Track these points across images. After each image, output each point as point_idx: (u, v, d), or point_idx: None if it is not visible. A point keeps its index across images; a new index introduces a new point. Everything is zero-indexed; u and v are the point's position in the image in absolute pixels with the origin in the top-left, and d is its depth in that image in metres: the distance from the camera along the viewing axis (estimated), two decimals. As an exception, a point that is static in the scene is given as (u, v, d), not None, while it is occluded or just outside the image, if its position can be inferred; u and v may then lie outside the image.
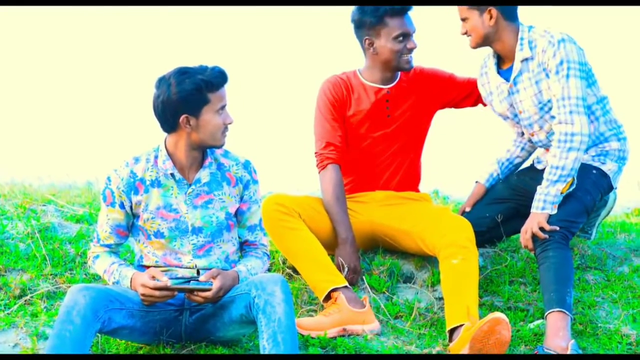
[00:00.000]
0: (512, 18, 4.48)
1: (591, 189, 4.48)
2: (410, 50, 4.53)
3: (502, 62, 4.59)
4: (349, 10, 4.63)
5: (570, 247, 4.86)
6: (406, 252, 4.70)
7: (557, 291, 4.18)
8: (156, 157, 3.82)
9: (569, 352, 4.03)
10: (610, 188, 4.61)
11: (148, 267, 3.86)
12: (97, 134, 8.78)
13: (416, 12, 4.58)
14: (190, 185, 3.82)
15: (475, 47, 4.53)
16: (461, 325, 4.09)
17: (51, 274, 4.42)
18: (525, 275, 4.73)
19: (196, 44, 10.13)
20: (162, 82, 3.71)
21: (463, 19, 4.50)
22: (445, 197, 6.06)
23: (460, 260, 4.23)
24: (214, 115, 3.72)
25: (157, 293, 3.63)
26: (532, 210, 4.38)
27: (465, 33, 4.51)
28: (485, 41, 4.50)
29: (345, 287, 4.27)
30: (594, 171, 4.52)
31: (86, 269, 4.47)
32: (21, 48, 10.18)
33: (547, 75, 4.41)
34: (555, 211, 4.36)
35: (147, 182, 3.81)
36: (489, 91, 4.65)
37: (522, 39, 4.45)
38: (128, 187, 3.80)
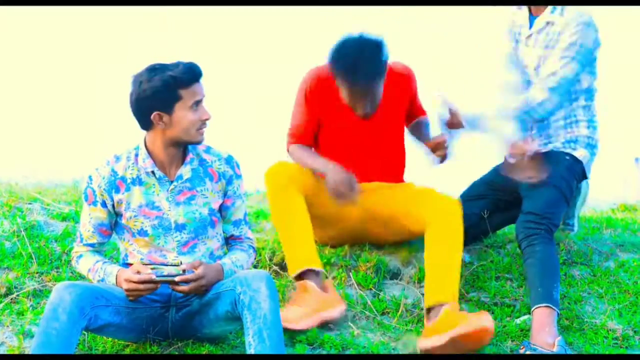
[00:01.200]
0: None
1: (566, 175, 4.50)
2: (364, 115, 4.50)
3: (534, 8, 4.62)
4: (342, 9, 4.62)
5: (556, 242, 4.88)
6: (393, 247, 4.71)
7: (543, 286, 4.19)
8: (137, 155, 3.81)
9: (555, 348, 4.04)
10: (584, 175, 4.62)
11: (132, 265, 3.85)
12: (83, 131, 8.76)
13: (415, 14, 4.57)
14: (172, 182, 3.81)
15: None
16: (442, 305, 4.10)
17: (37, 272, 4.41)
18: (512, 271, 4.75)
19: (187, 42, 10.11)
20: (135, 79, 3.70)
21: None
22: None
23: (448, 231, 4.24)
24: (188, 111, 3.69)
25: (141, 286, 3.62)
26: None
27: None
28: None
29: (316, 272, 4.27)
30: (567, 157, 4.55)
31: (72, 267, 4.45)
32: (6, 46, 10.14)
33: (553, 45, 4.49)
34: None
35: (128, 181, 3.80)
36: (513, 31, 4.70)
37: (555, 8, 4.52)
38: (109, 186, 3.79)
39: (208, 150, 3.90)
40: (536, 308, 4.16)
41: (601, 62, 4.58)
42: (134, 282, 3.61)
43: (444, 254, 4.23)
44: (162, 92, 3.65)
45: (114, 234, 3.91)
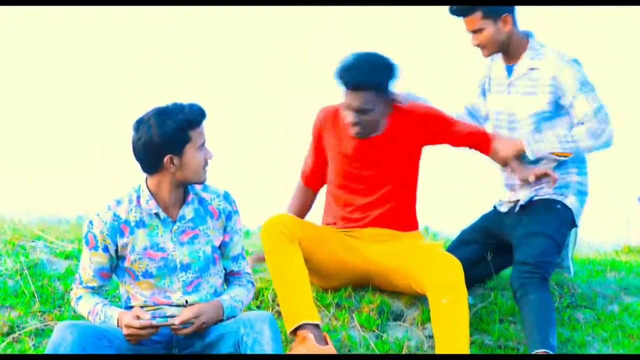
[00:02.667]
0: (516, 23, 4.54)
1: (559, 224, 4.51)
2: (352, 124, 4.44)
3: (507, 58, 4.61)
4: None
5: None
6: (396, 290, 4.70)
7: (539, 333, 4.18)
8: (138, 197, 3.81)
9: None
10: (574, 224, 4.61)
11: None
12: (87, 167, 8.78)
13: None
14: (175, 222, 3.82)
15: (489, 56, 4.57)
16: None
17: (40, 311, 4.40)
18: (516, 313, 4.72)
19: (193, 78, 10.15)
20: (141, 124, 3.70)
21: (476, 31, 4.49)
22: (435, 234, 6.06)
23: (449, 299, 4.22)
24: (196, 152, 3.72)
25: (142, 332, 3.61)
26: (523, 138, 4.49)
27: (479, 45, 4.51)
28: (500, 48, 4.54)
29: (315, 325, 4.26)
30: (558, 205, 4.54)
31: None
32: (10, 81, 10.18)
33: (551, 91, 4.47)
34: (532, 156, 4.47)
35: (132, 224, 3.80)
36: (488, 76, 4.71)
37: (534, 49, 4.52)
38: (112, 231, 3.79)
39: (205, 188, 3.91)
40: (534, 354, 4.15)
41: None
42: (136, 327, 3.60)
43: (450, 322, 4.20)
44: (176, 135, 3.67)
45: (113, 276, 3.90)
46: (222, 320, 3.75)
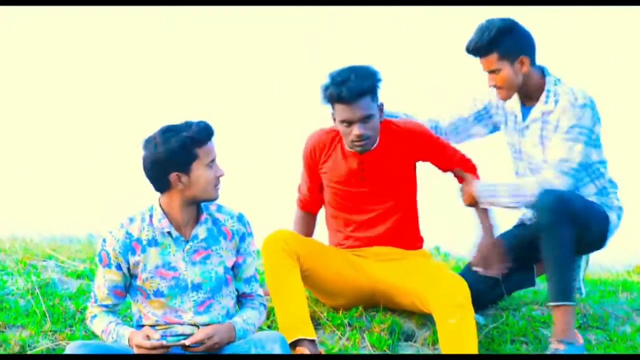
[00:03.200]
0: (535, 63, 4.51)
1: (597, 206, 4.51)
2: (359, 137, 4.43)
3: (524, 100, 4.59)
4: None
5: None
6: (406, 310, 4.69)
7: (562, 281, 4.25)
8: (151, 216, 3.83)
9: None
10: (604, 236, 4.57)
11: (148, 326, 3.85)
12: (98, 186, 8.80)
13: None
14: (187, 242, 3.82)
15: (506, 99, 4.53)
16: None
17: (51, 331, 4.40)
18: (527, 334, 4.71)
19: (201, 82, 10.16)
20: (148, 142, 3.74)
21: (493, 71, 4.47)
22: (446, 254, 6.06)
23: (457, 320, 4.22)
24: (205, 169, 3.73)
25: (153, 352, 3.63)
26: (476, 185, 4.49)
27: (495, 85, 4.50)
28: (517, 90, 4.51)
29: (311, 340, 4.26)
30: (600, 209, 4.53)
31: (86, 326, 4.45)
32: (21, 97, 10.22)
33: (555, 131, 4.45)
34: (484, 206, 4.49)
35: (144, 242, 3.81)
36: (504, 113, 4.68)
37: (548, 91, 4.48)
38: (124, 249, 3.80)
39: (220, 209, 3.92)
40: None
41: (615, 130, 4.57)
42: (146, 347, 3.61)
43: (459, 342, 4.19)
44: (181, 153, 3.68)
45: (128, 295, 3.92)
46: (233, 342, 3.76)
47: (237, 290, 3.96)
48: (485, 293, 4.65)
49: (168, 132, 3.70)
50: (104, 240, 3.82)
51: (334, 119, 4.52)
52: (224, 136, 3.97)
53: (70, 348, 3.56)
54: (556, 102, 4.45)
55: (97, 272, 3.88)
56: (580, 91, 4.45)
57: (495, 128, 4.79)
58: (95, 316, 3.88)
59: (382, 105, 4.50)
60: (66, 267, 5.09)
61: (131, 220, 3.84)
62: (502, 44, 4.42)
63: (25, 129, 9.84)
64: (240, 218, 3.94)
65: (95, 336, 4.32)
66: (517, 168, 4.71)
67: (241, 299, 3.99)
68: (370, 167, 4.58)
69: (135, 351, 3.64)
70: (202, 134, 3.71)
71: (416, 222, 4.72)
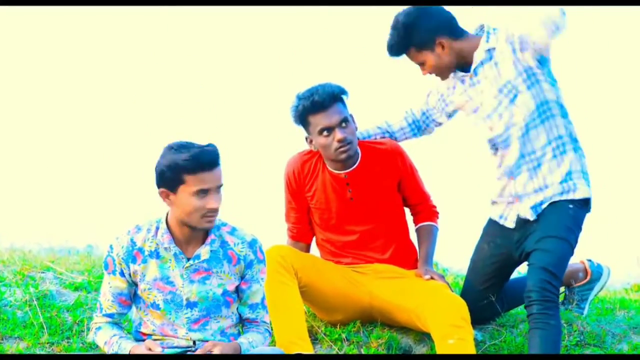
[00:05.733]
0: (461, 34, 4.43)
1: (573, 226, 4.36)
2: (340, 141, 4.45)
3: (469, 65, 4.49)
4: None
5: (567, 323, 4.86)
6: (400, 326, 4.69)
7: None
8: (157, 228, 3.83)
9: None
10: (588, 209, 4.45)
11: (146, 334, 3.85)
12: (97, 197, 8.80)
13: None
14: (188, 259, 3.82)
15: (446, 78, 4.48)
16: None
17: (48, 343, 4.40)
18: (524, 351, 4.71)
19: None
20: (162, 152, 3.74)
21: (420, 63, 4.44)
22: (445, 269, 6.05)
23: (456, 340, 4.22)
24: (190, 197, 3.65)
25: None
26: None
27: (429, 73, 4.45)
28: (454, 67, 4.45)
29: (310, 355, 4.26)
30: (570, 205, 4.38)
31: (83, 338, 4.45)
32: (21, 107, 10.22)
33: (514, 55, 4.33)
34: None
35: (146, 253, 3.81)
36: (450, 88, 4.56)
37: (488, 33, 4.40)
38: (127, 255, 3.81)
39: (233, 231, 3.87)
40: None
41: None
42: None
43: None
44: (167, 173, 3.65)
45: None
46: None
47: (241, 313, 3.94)
48: (483, 310, 4.64)
49: (171, 148, 3.68)
50: (111, 247, 3.83)
51: (310, 141, 4.54)
52: (225, 138, 3.92)
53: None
54: (496, 35, 4.36)
55: (103, 280, 3.88)
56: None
57: (454, 111, 4.68)
58: (99, 328, 3.87)
59: (352, 116, 4.52)
60: (64, 278, 5.09)
61: (138, 229, 3.84)
62: (413, 38, 4.39)
63: (25, 139, 9.84)
64: (252, 244, 3.87)
65: (97, 348, 4.34)
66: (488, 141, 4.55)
67: (246, 323, 3.96)
68: (356, 186, 4.59)
69: None
70: (193, 163, 3.62)
71: (408, 240, 4.74)
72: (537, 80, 4.35)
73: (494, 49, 4.38)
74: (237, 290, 3.89)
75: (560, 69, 4.51)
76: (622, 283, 6.32)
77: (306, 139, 4.57)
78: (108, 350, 3.80)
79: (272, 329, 4.02)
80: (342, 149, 4.46)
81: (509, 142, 4.42)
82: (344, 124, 4.46)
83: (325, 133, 4.45)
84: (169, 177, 3.66)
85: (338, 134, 4.44)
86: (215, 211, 3.69)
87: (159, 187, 3.71)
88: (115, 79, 10.09)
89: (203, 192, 3.66)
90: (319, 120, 4.45)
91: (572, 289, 4.99)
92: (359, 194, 4.60)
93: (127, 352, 3.72)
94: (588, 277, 4.94)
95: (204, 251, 3.81)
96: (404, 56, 4.48)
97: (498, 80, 4.38)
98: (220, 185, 3.69)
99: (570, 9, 4.28)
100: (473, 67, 4.43)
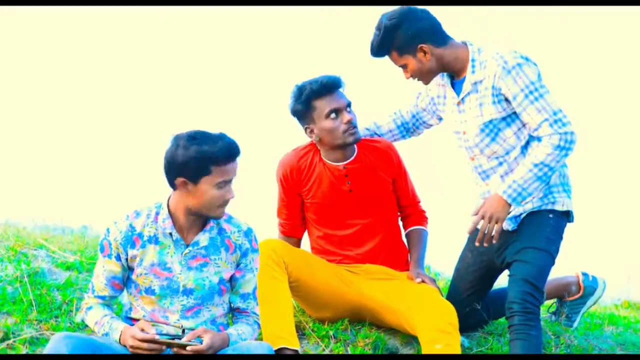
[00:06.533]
0: (444, 41, 4.42)
1: (554, 236, 4.38)
2: (349, 123, 4.50)
3: (455, 74, 4.50)
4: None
5: (555, 335, 4.87)
6: (388, 327, 4.70)
7: None
8: (157, 213, 3.83)
9: None
10: (569, 219, 4.47)
11: (136, 319, 3.85)
12: (95, 178, 8.80)
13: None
14: (187, 246, 3.82)
15: (427, 84, 4.49)
16: None
17: (36, 320, 4.40)
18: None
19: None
20: (175, 140, 3.71)
21: (402, 66, 4.44)
22: (436, 274, 6.06)
23: (443, 346, 4.22)
24: (212, 187, 3.69)
25: (144, 345, 3.61)
26: (501, 193, 4.26)
27: (411, 77, 4.45)
28: (435, 73, 4.45)
29: (294, 350, 4.27)
30: (550, 215, 4.41)
31: (72, 317, 4.45)
32: (19, 84, 10.22)
33: (497, 100, 4.33)
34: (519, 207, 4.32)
35: (145, 238, 3.81)
36: (442, 97, 4.60)
37: (473, 60, 4.39)
38: (125, 240, 3.81)
39: (229, 220, 3.89)
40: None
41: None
42: (138, 339, 3.61)
43: None
44: (194, 164, 3.65)
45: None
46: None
47: (232, 303, 3.95)
48: (467, 317, 4.65)
49: (194, 138, 3.67)
50: (108, 230, 3.83)
51: (310, 131, 4.55)
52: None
53: (55, 339, 3.55)
54: (484, 68, 4.35)
55: (97, 262, 3.88)
56: (507, 53, 4.33)
57: (442, 117, 4.73)
58: (90, 308, 3.87)
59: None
60: (56, 257, 5.09)
61: (137, 214, 3.84)
62: (395, 42, 4.38)
63: (28, 118, 9.85)
64: (248, 233, 3.90)
65: (85, 328, 4.33)
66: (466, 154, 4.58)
67: (235, 313, 3.97)
68: (355, 178, 4.61)
69: (129, 343, 3.62)
70: (224, 153, 3.66)
71: (401, 241, 4.75)
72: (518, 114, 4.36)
73: (480, 82, 4.39)
74: (231, 279, 3.90)
75: (555, 73, 4.50)
76: (613, 299, 6.33)
77: (305, 129, 4.58)
78: (98, 330, 3.79)
79: (260, 322, 4.02)
80: (350, 131, 4.51)
81: (488, 174, 4.50)
82: (350, 107, 4.52)
83: (333, 115, 4.49)
84: (194, 167, 3.65)
85: (346, 116, 4.49)
86: (230, 200, 3.74)
87: (177, 176, 3.70)
88: (117, 72, 10.12)
89: (225, 183, 3.69)
90: (327, 103, 4.49)
91: (564, 302, 5.00)
92: (358, 186, 4.61)
93: (118, 332, 3.71)
94: (581, 292, 4.95)
95: (203, 238, 3.82)
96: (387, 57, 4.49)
97: (480, 118, 4.41)
98: (234, 176, 3.74)
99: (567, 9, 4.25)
100: (461, 96, 4.45)
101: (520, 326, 4.22)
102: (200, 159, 3.65)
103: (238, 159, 3.72)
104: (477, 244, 4.30)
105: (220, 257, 3.85)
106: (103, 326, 3.78)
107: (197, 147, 3.64)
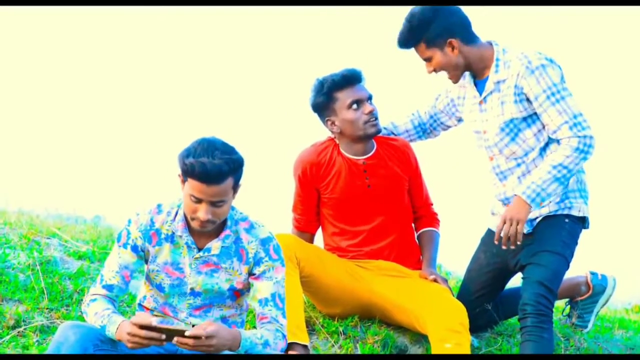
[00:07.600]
0: (473, 39, 4.44)
1: (569, 241, 4.40)
2: (370, 114, 4.53)
3: (478, 74, 4.51)
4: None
5: (565, 337, 4.85)
6: (398, 325, 4.70)
7: None
8: (177, 213, 3.80)
9: None
10: (584, 226, 4.48)
11: (148, 309, 3.85)
12: (110, 170, 8.82)
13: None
14: (199, 250, 3.80)
15: (457, 81, 4.50)
16: None
17: (47, 308, 4.42)
18: (519, 361, 4.71)
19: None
20: (190, 144, 3.67)
21: (426, 59, 4.45)
22: (447, 273, 6.05)
23: (453, 345, 4.22)
24: (185, 196, 3.66)
25: (142, 332, 3.47)
26: (520, 194, 4.27)
27: (434, 71, 4.46)
28: (459, 70, 4.45)
29: (303, 345, 4.27)
30: (566, 220, 4.42)
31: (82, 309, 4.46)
32: (36, 77, 10.26)
33: (519, 99, 4.34)
34: (539, 209, 4.33)
35: (162, 235, 3.79)
36: (462, 97, 4.63)
37: (497, 59, 4.41)
38: (145, 234, 3.78)
39: (250, 229, 3.82)
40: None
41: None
42: (134, 323, 3.47)
43: None
44: (181, 168, 3.63)
45: (133, 281, 3.89)
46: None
47: (253, 309, 3.88)
48: (477, 318, 4.64)
49: (195, 150, 3.63)
50: (129, 221, 3.80)
51: (331, 123, 4.56)
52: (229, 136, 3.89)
53: (63, 327, 3.54)
54: (508, 68, 4.37)
55: (111, 252, 3.82)
56: (532, 54, 4.35)
57: (461, 119, 4.75)
58: (95, 300, 3.75)
59: None
60: (69, 246, 5.11)
61: (159, 209, 3.81)
62: (426, 34, 4.38)
63: (44, 110, 9.88)
64: (264, 241, 3.80)
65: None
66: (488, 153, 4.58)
67: (259, 322, 3.80)
68: (374, 174, 4.62)
69: (127, 329, 3.50)
70: (199, 177, 3.59)
71: (414, 240, 4.75)
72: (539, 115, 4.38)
73: (503, 81, 4.40)
74: (249, 286, 3.83)
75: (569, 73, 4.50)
76: (623, 303, 6.31)
77: (326, 122, 4.59)
78: (96, 321, 3.67)
79: (285, 333, 3.80)
80: (372, 122, 4.53)
81: (506, 175, 4.49)
82: (370, 100, 4.55)
83: (355, 106, 4.51)
84: (182, 171, 3.64)
85: (368, 107, 4.53)
86: (205, 221, 3.66)
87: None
88: (133, 68, 10.16)
89: (197, 200, 3.63)
90: (349, 94, 4.52)
91: (575, 303, 4.99)
92: (376, 182, 4.61)
93: (116, 325, 3.59)
94: (590, 291, 4.94)
95: (215, 245, 3.77)
96: (406, 52, 4.50)
97: (501, 117, 4.42)
98: (217, 201, 3.64)
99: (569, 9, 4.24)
100: (484, 95, 4.46)
101: (533, 328, 4.23)
102: (182, 170, 3.63)
103: (217, 186, 3.60)
104: (503, 246, 4.30)
105: (233, 266, 3.79)
106: (102, 318, 3.65)
107: (185, 159, 3.59)
